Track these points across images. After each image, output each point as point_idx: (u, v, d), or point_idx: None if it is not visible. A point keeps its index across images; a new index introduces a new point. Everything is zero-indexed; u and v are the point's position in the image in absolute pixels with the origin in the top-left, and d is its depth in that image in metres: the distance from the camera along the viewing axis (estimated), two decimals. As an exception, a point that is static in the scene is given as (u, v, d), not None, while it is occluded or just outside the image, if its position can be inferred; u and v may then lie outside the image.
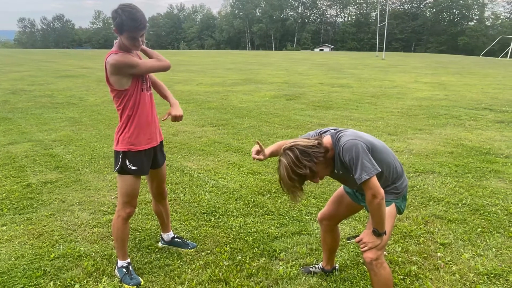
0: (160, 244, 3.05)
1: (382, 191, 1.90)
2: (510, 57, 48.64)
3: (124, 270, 2.62)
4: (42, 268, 2.72)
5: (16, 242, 3.09)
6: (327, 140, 2.01)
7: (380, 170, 1.91)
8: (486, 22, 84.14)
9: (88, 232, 3.26)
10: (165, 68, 2.44)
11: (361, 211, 2.80)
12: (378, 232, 1.98)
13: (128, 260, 2.69)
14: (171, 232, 3.06)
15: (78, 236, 3.19)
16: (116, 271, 2.67)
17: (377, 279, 2.06)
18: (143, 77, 2.44)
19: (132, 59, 2.34)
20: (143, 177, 2.65)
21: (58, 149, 5.78)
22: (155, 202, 2.90)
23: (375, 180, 1.88)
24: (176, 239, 3.03)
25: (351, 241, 2.01)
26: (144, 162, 2.52)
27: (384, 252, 2.15)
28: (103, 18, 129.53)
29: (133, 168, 2.46)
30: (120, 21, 2.22)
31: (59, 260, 2.83)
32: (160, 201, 2.89)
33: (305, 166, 1.86)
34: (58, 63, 28.09)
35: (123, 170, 2.47)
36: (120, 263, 2.66)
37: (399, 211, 2.17)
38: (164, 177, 2.81)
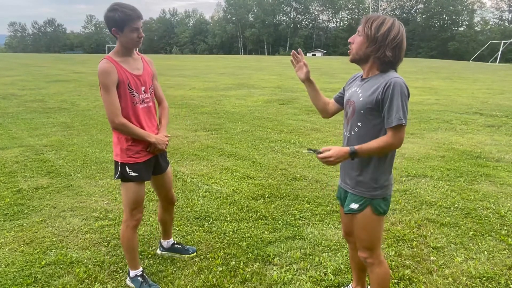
0: (158, 251, 3.00)
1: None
2: (499, 62, 49.42)
3: (140, 279, 2.56)
4: (33, 275, 2.69)
5: (6, 249, 3.05)
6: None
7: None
8: (476, 28, 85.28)
9: (80, 238, 3.23)
10: (108, 121, 2.35)
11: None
12: (356, 155, 1.83)
13: (141, 268, 2.63)
14: (172, 238, 3.02)
15: (69, 243, 3.16)
16: (129, 282, 2.58)
17: (372, 276, 2.11)
18: (132, 90, 2.36)
19: (109, 81, 2.25)
20: (147, 183, 2.61)
21: (49, 154, 5.72)
22: (162, 209, 2.85)
23: (404, 130, 1.81)
24: (176, 245, 2.99)
25: (310, 151, 1.87)
26: (143, 169, 2.47)
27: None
28: (95, 23, 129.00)
29: (134, 174, 2.42)
30: (120, 14, 2.20)
31: (50, 267, 2.80)
32: (167, 207, 2.84)
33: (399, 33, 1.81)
34: (49, 67, 27.88)
35: (124, 178, 2.43)
36: (133, 273, 2.59)
37: (379, 211, 1.96)
38: (170, 183, 2.76)
